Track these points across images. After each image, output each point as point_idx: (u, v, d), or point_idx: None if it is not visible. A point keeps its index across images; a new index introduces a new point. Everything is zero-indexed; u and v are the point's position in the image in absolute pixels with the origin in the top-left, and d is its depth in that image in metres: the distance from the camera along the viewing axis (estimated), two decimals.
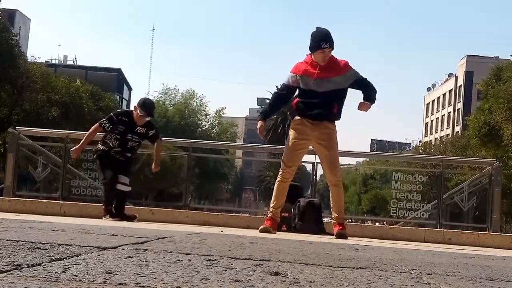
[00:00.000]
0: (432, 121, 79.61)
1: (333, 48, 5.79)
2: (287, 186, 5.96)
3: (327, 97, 5.76)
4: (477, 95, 53.27)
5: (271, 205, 5.97)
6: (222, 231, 5.42)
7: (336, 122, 5.93)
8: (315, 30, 5.90)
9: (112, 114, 7.19)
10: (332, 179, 5.93)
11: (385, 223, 10.63)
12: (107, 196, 6.92)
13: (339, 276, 2.08)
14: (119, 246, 2.62)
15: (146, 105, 7.10)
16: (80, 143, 7.12)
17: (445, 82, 75.37)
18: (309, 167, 9.06)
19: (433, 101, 79.54)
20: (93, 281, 1.59)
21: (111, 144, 6.93)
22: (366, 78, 5.92)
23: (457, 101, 70.02)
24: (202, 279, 1.77)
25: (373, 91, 5.92)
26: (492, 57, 56.44)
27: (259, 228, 5.80)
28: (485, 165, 9.69)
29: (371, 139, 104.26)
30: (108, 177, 6.82)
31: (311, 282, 1.88)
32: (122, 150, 6.95)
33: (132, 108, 7.28)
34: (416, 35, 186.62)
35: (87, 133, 7.20)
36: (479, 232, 7.20)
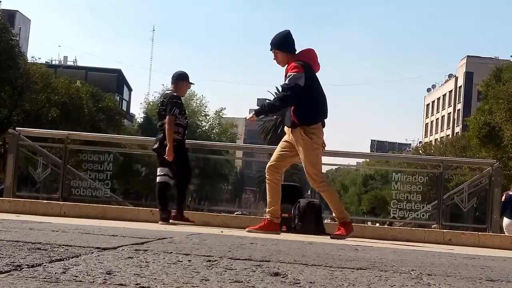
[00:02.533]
0: (432, 121, 79.62)
1: (276, 50, 5.72)
2: (275, 185, 5.76)
3: None
4: (477, 95, 53.32)
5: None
6: (222, 231, 5.42)
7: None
8: None
9: (173, 99, 6.82)
10: (311, 184, 5.79)
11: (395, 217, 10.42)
12: (184, 197, 7.06)
13: (339, 277, 2.08)
14: (119, 246, 2.62)
15: (186, 75, 7.10)
16: (168, 142, 6.67)
17: (445, 82, 75.38)
18: None
19: (433, 101, 79.56)
20: (93, 281, 1.59)
21: (182, 123, 6.90)
22: (283, 89, 5.63)
23: (457, 102, 70.02)
24: (202, 279, 1.77)
25: (272, 101, 5.76)
26: (492, 58, 56.53)
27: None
28: (485, 165, 9.67)
29: (371, 140, 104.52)
30: (186, 177, 6.98)
31: (311, 282, 1.88)
32: (186, 130, 7.01)
33: (169, 91, 7.05)
34: (416, 36, 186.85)
35: (169, 129, 6.69)
36: (479, 233, 7.19)
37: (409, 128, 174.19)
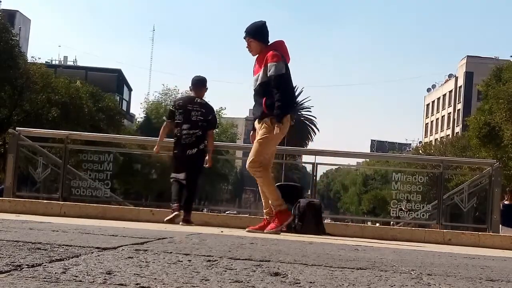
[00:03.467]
0: (432, 121, 79.61)
1: (250, 38, 5.76)
2: (263, 182, 5.73)
3: (257, 95, 5.70)
4: (477, 95, 53.33)
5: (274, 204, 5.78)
6: (222, 231, 5.42)
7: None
8: None
9: (215, 113, 7.44)
10: (247, 166, 5.70)
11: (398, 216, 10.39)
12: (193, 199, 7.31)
13: (339, 277, 2.08)
14: (119, 246, 2.62)
15: (205, 80, 7.37)
16: (212, 152, 7.29)
17: (445, 82, 75.37)
18: (309, 167, 9.05)
19: (433, 101, 79.55)
20: (93, 281, 1.59)
21: None
22: (275, 85, 5.52)
23: (457, 102, 70.01)
24: (202, 279, 1.77)
25: (279, 101, 5.50)
26: (492, 58, 56.52)
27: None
28: (485, 165, 9.67)
29: (371, 140, 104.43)
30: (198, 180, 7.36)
31: (311, 282, 1.88)
32: None
33: (187, 92, 7.52)
34: (416, 36, 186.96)
35: (213, 142, 7.38)
36: (479, 233, 7.19)
37: (409, 128, 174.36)
